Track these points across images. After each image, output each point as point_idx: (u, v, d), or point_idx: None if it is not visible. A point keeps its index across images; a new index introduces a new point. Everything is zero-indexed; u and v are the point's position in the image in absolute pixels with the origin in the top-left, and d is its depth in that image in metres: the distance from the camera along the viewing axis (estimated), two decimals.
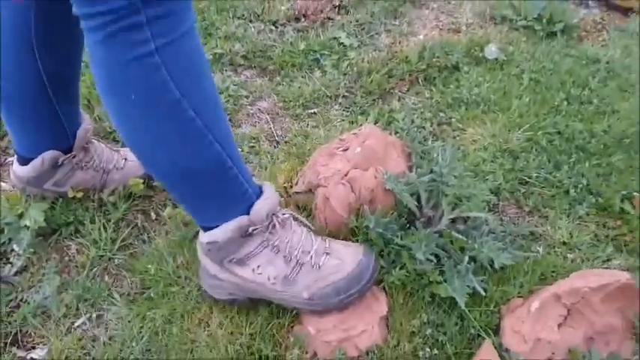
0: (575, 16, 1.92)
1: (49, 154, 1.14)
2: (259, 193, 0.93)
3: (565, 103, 1.50)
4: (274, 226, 0.93)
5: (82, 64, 1.11)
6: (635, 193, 1.26)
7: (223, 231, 0.90)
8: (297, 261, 0.94)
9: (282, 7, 1.86)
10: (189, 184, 0.87)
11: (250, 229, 0.91)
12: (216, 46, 1.69)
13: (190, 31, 0.79)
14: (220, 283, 0.98)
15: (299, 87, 1.58)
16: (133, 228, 1.18)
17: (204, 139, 0.82)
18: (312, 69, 1.67)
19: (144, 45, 0.75)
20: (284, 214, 0.95)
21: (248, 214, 0.90)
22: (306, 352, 0.95)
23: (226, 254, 0.93)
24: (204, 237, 0.93)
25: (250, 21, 1.82)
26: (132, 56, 0.76)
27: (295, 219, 0.99)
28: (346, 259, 0.96)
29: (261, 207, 0.91)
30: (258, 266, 0.94)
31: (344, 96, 1.57)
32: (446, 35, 1.80)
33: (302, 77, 1.63)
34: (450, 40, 1.75)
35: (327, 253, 0.96)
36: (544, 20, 1.83)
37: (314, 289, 0.94)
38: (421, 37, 1.80)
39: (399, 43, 1.77)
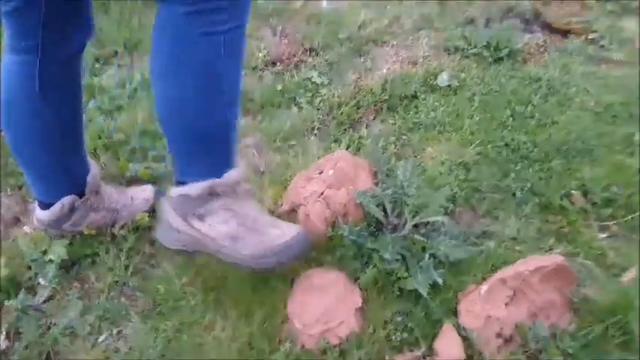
0: (520, 41, 2.17)
1: (67, 199, 1.30)
2: (234, 167, 1.14)
3: (511, 119, 1.73)
4: (237, 193, 1.13)
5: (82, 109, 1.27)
6: (572, 191, 1.47)
7: (196, 188, 1.11)
8: (247, 225, 1.14)
9: (260, 54, 2.09)
10: (200, 139, 1.07)
11: (218, 190, 1.11)
12: None
13: (247, 21, 1.02)
14: (178, 236, 1.17)
15: (279, 123, 1.79)
16: (142, 255, 1.37)
17: (226, 111, 1.06)
18: (290, 106, 1.88)
19: (220, 25, 0.97)
20: (247, 187, 1.16)
21: (220, 177, 1.11)
22: (296, 345, 1.13)
23: (191, 208, 1.13)
24: (176, 191, 1.13)
25: None
26: (208, 32, 0.97)
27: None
28: (286, 232, 1.15)
29: (231, 175, 1.11)
30: (215, 223, 1.13)
31: (319, 128, 1.78)
32: (405, 68, 2.03)
33: (281, 114, 1.84)
34: (409, 72, 1.98)
35: (273, 225, 1.16)
36: (491, 47, 2.07)
37: (254, 249, 1.13)
38: (384, 71, 2.03)
39: (364, 78, 2.00)
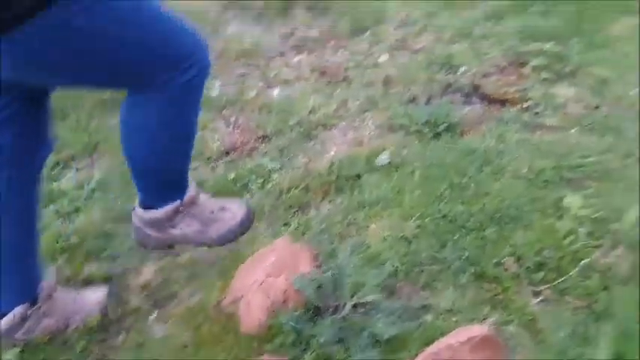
0: (458, 115, 2.30)
1: (18, 310, 1.35)
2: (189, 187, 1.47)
3: (448, 191, 1.82)
4: (195, 204, 1.47)
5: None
6: (505, 258, 1.54)
7: (165, 212, 1.42)
8: (207, 219, 1.50)
9: (214, 145, 2.21)
10: (174, 178, 1.42)
11: (181, 209, 1.44)
12: None
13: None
14: (152, 241, 1.48)
15: None
16: (93, 356, 1.40)
17: (191, 155, 1.39)
18: (242, 194, 1.97)
19: (195, 101, 1.28)
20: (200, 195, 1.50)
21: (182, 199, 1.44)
22: None
23: (163, 223, 1.45)
24: (148, 214, 1.43)
25: None
26: (188, 103, 1.25)
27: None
28: (236, 212, 1.55)
29: (189, 194, 1.45)
30: (184, 227, 1.48)
31: (269, 211, 1.87)
32: (352, 149, 2.15)
33: None
34: (355, 152, 2.10)
35: (224, 210, 1.53)
36: (431, 123, 2.21)
37: (217, 233, 1.51)
38: (332, 153, 2.15)
39: (314, 161, 2.11)
